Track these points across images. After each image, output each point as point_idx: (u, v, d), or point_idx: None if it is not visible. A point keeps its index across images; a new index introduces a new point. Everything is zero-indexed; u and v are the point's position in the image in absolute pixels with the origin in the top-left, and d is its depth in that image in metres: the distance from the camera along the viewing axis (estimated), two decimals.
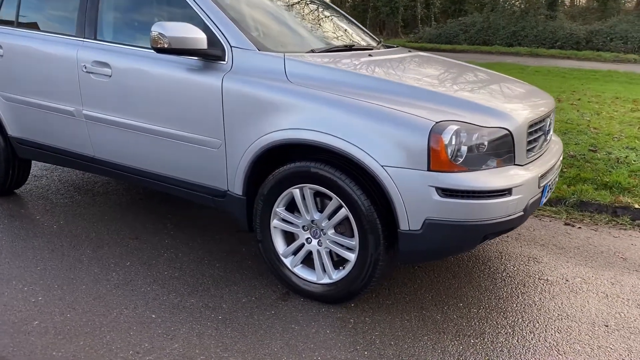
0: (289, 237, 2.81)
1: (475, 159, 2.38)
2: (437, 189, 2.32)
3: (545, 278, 3.02)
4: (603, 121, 6.63)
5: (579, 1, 25.49)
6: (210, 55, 2.82)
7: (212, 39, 2.82)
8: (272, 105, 2.63)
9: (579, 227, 3.78)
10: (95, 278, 2.93)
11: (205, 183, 3.00)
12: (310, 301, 2.73)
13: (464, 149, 2.34)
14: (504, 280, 3.00)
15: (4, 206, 3.90)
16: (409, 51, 3.62)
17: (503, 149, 2.48)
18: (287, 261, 2.79)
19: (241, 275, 3.00)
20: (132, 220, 3.70)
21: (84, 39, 3.28)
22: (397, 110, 2.41)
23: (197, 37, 2.76)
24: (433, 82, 2.88)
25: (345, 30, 3.65)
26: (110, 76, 3.13)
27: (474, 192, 2.34)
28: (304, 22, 3.44)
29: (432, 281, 2.97)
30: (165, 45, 2.73)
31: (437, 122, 2.33)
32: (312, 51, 3.00)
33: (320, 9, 3.76)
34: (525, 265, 3.17)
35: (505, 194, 2.40)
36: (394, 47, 3.68)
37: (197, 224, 3.68)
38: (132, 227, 3.60)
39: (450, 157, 2.32)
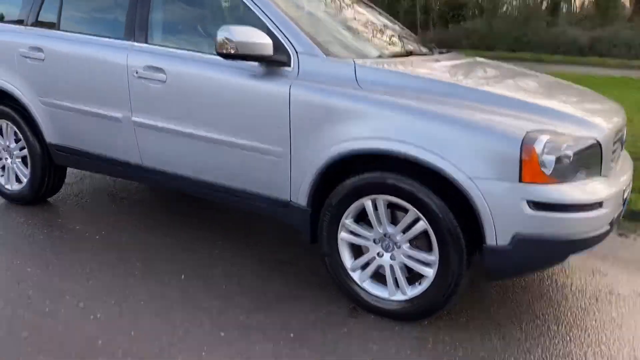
0: (356, 250, 2.70)
1: (566, 170, 2.28)
2: (529, 202, 2.22)
3: (617, 292, 2.92)
4: (637, 129, 6.53)
5: (577, 8, 25.60)
6: (276, 61, 2.71)
7: (277, 45, 2.71)
8: (344, 114, 2.52)
9: (634, 239, 3.69)
10: (152, 293, 2.80)
11: (265, 193, 2.89)
12: (380, 318, 2.62)
13: (555, 159, 2.24)
14: (575, 294, 2.90)
15: (41, 215, 3.77)
16: (468, 57, 3.52)
17: (592, 160, 2.38)
18: (355, 276, 2.68)
19: (302, 289, 2.88)
20: (177, 230, 3.57)
21: (134, 43, 3.15)
22: (483, 118, 2.31)
23: (264, 42, 2.65)
24: (513, 89, 2.78)
25: (398, 34, 3.54)
26: (164, 82, 3.01)
27: (566, 205, 2.24)
28: (359, 26, 3.33)
29: (502, 296, 2.87)
30: (232, 51, 2.62)
31: (528, 132, 2.23)
32: (380, 57, 2.90)
33: (368, 13, 3.66)
34: (592, 278, 3.07)
35: (596, 207, 2.30)
36: (450, 52, 3.58)
37: (246, 234, 3.56)
38: (178, 237, 3.47)
39: (542, 168, 2.22)
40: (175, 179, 3.19)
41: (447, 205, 2.36)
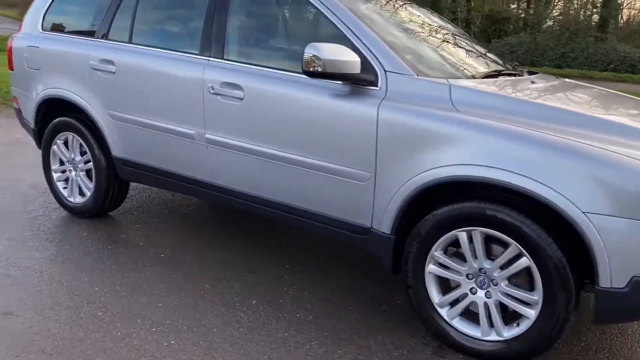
0: (444, 284, 2.52)
1: None
2: None
3: None
4: None
5: (624, 23, 24.83)
6: (362, 80, 2.57)
7: (364, 63, 2.57)
8: (439, 137, 2.36)
9: None
10: (224, 319, 2.68)
11: (344, 218, 2.74)
12: (470, 357, 2.43)
13: None
14: None
15: (104, 230, 3.70)
16: (557, 78, 3.31)
17: None
18: (444, 312, 2.50)
19: (381, 322, 2.72)
20: (242, 251, 3.45)
21: (210, 58, 3.06)
22: (599, 147, 2.11)
23: (353, 60, 2.52)
24: (620, 115, 2.58)
25: (482, 53, 3.36)
26: (241, 99, 2.90)
27: None
28: (441, 44, 3.17)
29: (598, 338, 2.64)
30: (319, 69, 2.49)
31: None
32: (473, 77, 2.73)
33: (446, 28, 3.49)
34: None
35: None
36: (536, 73, 3.38)
37: (316, 258, 3.42)
38: (244, 258, 3.35)
39: None
40: (247, 199, 3.07)
41: (555, 242, 2.16)
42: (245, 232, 3.79)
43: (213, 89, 2.98)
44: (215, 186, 3.17)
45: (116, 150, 3.58)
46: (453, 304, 2.48)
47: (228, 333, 2.56)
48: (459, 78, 2.67)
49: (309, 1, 2.82)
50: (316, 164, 2.72)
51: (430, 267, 2.48)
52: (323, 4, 2.77)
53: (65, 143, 3.88)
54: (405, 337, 2.60)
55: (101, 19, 3.60)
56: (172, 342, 2.48)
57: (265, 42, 3.09)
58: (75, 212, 3.91)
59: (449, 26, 3.53)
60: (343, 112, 2.61)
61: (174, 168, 3.34)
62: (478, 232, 2.33)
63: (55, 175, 3.98)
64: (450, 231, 2.39)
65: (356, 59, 2.53)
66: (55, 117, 3.87)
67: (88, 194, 3.81)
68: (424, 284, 2.51)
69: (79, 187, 3.88)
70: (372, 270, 3.25)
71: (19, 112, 4.21)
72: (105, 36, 3.55)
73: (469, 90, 2.49)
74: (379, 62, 2.58)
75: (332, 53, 2.48)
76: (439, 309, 2.50)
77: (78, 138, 3.75)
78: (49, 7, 3.95)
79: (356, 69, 2.53)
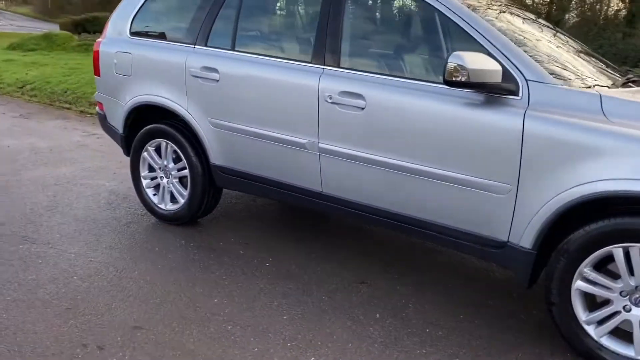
0: (589, 301, 2.44)
1: None
2: None
3: None
4: None
5: None
6: (502, 90, 2.49)
7: (504, 71, 2.49)
8: (596, 151, 2.28)
9: None
10: (355, 333, 2.63)
11: (477, 232, 2.67)
12: None
13: None
14: None
15: (200, 238, 3.67)
16: None
17: None
18: (590, 329, 2.42)
19: (514, 338, 2.65)
20: (346, 260, 3.39)
21: (325, 66, 3.00)
22: None
23: (495, 69, 2.46)
24: None
25: (598, 59, 3.26)
26: (362, 108, 2.83)
27: None
28: (564, 51, 3.06)
29: None
30: (463, 79, 2.42)
31: None
32: (614, 86, 2.64)
33: (560, 36, 3.37)
34: None
35: None
36: None
37: (421, 269, 3.35)
38: (351, 269, 3.29)
39: None
40: (364, 210, 3.01)
41: None
42: (349, 242, 3.73)
43: (331, 98, 2.92)
44: (328, 196, 3.12)
45: (215, 158, 3.53)
46: (601, 321, 2.40)
47: (365, 349, 2.51)
48: (601, 87, 2.58)
49: (436, 7, 2.74)
50: (449, 175, 2.66)
51: (578, 284, 2.41)
52: (452, 10, 2.70)
53: (157, 150, 3.84)
54: (545, 354, 2.52)
55: (199, 24, 3.54)
56: (312, 358, 2.42)
57: (385, 50, 3.03)
58: (165, 219, 3.87)
59: (557, 32, 3.43)
60: (482, 123, 2.54)
61: (279, 177, 3.29)
62: (637, 248, 2.24)
63: (144, 182, 3.95)
64: (604, 247, 2.31)
65: (498, 67, 2.46)
66: (145, 124, 3.84)
67: (182, 201, 3.77)
68: (569, 300, 2.43)
69: (170, 194, 3.84)
70: (486, 283, 3.19)
71: (102, 118, 4.18)
72: (205, 43, 3.50)
73: (620, 100, 2.40)
74: (519, 70, 2.51)
75: (477, 62, 2.42)
76: (585, 327, 2.42)
77: (172, 145, 3.71)
78: (138, 10, 3.91)
79: (498, 78, 2.46)
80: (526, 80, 2.49)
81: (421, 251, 3.58)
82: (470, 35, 2.64)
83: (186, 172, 3.69)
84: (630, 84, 2.86)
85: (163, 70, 3.64)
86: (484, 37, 2.61)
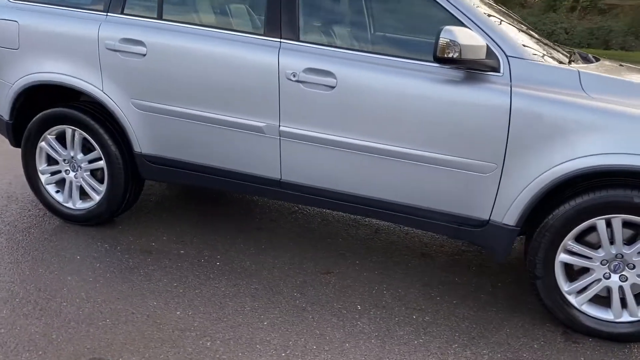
0: (568, 272, 2.54)
1: None
2: None
3: None
4: None
5: None
6: (484, 66, 2.43)
7: (487, 47, 2.43)
8: (582, 126, 2.33)
9: None
10: (346, 331, 2.46)
11: (454, 211, 2.62)
12: (601, 341, 2.49)
13: None
14: None
15: (125, 239, 3.17)
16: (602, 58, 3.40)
17: None
18: (572, 298, 2.52)
19: (497, 314, 2.68)
20: (300, 251, 3.17)
21: (283, 40, 2.69)
22: None
23: (480, 45, 2.38)
24: None
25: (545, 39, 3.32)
26: (333, 87, 2.60)
27: None
28: (524, 30, 3.03)
29: None
30: (455, 55, 2.30)
31: None
32: (571, 63, 2.71)
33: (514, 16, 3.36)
34: None
35: None
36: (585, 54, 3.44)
37: (377, 252, 3.24)
38: (310, 259, 3.08)
39: None
40: (329, 196, 2.80)
41: None
42: (284, 228, 3.48)
43: (294, 75, 2.63)
44: (288, 183, 2.85)
45: (141, 146, 3.05)
46: (582, 290, 2.51)
47: (364, 347, 2.35)
48: (575, 63, 2.64)
49: None
50: (428, 156, 2.55)
51: (562, 257, 2.47)
52: None
53: (59, 139, 3.21)
54: (528, 326, 2.59)
55: None
56: None
57: (356, 25, 2.79)
58: (76, 219, 3.29)
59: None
60: (466, 101, 2.46)
61: (227, 164, 2.94)
62: (619, 219, 2.35)
63: (43, 178, 3.30)
64: (588, 219, 2.39)
65: (483, 43, 2.39)
66: (39, 107, 3.19)
67: (97, 197, 3.21)
68: (553, 273, 2.50)
69: (80, 190, 3.26)
70: (444, 260, 3.19)
71: None
72: (120, 10, 2.95)
73: (597, 76, 2.47)
74: (499, 46, 2.46)
75: (468, 38, 2.31)
76: (567, 297, 2.52)
77: (81, 132, 3.12)
78: None
79: (483, 54, 2.39)
80: (507, 56, 2.45)
81: (367, 233, 3.47)
82: (448, 11, 2.51)
83: (101, 163, 3.14)
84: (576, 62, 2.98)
85: (66, 43, 3.02)
86: (462, 12, 2.50)
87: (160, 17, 2.92)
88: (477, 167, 2.50)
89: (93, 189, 3.22)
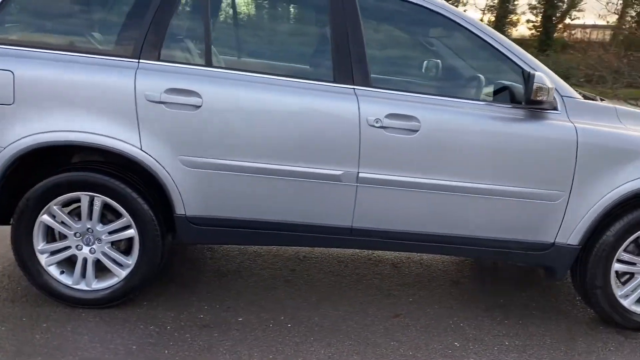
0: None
1: None
2: None
3: None
4: None
5: None
6: (551, 106, 2.72)
7: None
8: (631, 153, 2.74)
9: None
10: None
11: (522, 238, 2.85)
12: None
13: None
14: None
15: (160, 322, 2.75)
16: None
17: None
18: (623, 301, 2.92)
19: (544, 325, 2.96)
20: (356, 297, 3.10)
21: (356, 87, 2.66)
22: None
23: (552, 87, 2.66)
24: None
25: None
26: (416, 131, 2.65)
27: None
28: None
29: None
30: (544, 98, 2.56)
31: None
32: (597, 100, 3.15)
33: None
34: None
35: None
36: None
37: (412, 285, 3.32)
38: (374, 305, 3.04)
39: None
40: (399, 237, 2.81)
41: None
42: (329, 278, 3.36)
43: (378, 122, 2.62)
44: (360, 230, 2.79)
45: (187, 208, 2.70)
46: (631, 292, 2.92)
47: None
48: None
49: (476, 35, 2.74)
50: (505, 190, 2.74)
51: (617, 266, 2.86)
52: (489, 35, 2.76)
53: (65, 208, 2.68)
54: (600, 333, 2.92)
55: (139, 30, 2.61)
56: None
57: (431, 71, 2.86)
58: (91, 303, 2.76)
59: None
60: (537, 137, 2.72)
61: (291, 218, 2.76)
62: None
63: (43, 259, 2.71)
64: (636, 232, 2.81)
65: (554, 85, 2.67)
66: (30, 175, 2.65)
67: (123, 272, 2.74)
68: (609, 282, 2.87)
69: (94, 267, 2.75)
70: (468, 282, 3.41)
71: None
72: (157, 56, 2.60)
73: (626, 110, 2.92)
74: (556, 88, 2.77)
75: (549, 82, 2.58)
76: (620, 300, 2.90)
77: (104, 199, 2.65)
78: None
79: (553, 95, 2.67)
80: (561, 96, 2.77)
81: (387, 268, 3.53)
82: (508, 57, 2.75)
83: (130, 232, 2.70)
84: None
85: (88, 95, 2.55)
86: (521, 59, 2.76)
87: (209, 64, 2.64)
88: (547, 196, 2.76)
89: (117, 263, 2.74)
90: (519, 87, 2.70)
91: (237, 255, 3.56)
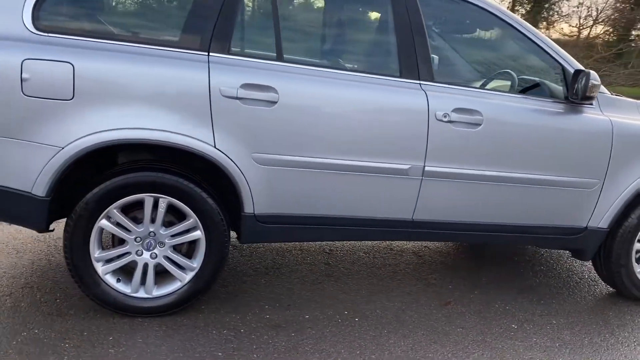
0: None
1: None
2: None
3: None
4: None
5: None
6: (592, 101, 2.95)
7: None
8: None
9: None
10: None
11: (561, 224, 3.08)
12: None
13: None
14: None
15: (234, 326, 2.67)
16: None
17: None
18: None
19: (586, 303, 3.24)
20: (400, 286, 3.18)
21: (422, 82, 2.71)
22: None
23: None
24: None
25: None
26: (479, 125, 2.76)
27: None
28: None
29: None
30: (595, 94, 2.77)
31: None
32: None
33: None
34: None
35: None
36: None
37: (462, 278, 3.46)
38: (416, 294, 3.13)
39: None
40: (456, 228, 2.93)
41: None
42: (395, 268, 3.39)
43: (446, 116, 2.70)
44: (420, 222, 2.87)
45: (256, 206, 2.62)
46: None
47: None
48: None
49: (528, 37, 2.90)
50: (551, 179, 2.94)
51: (636, 245, 3.17)
52: (535, 35, 2.92)
53: (124, 211, 2.51)
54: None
55: (206, 21, 2.48)
56: None
57: (472, 65, 2.95)
58: (151, 311, 2.60)
59: None
60: (581, 130, 2.93)
61: (356, 212, 2.77)
62: None
63: (100, 268, 2.52)
64: None
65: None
66: (80, 177, 2.47)
67: (186, 276, 2.62)
68: (631, 260, 3.18)
69: (154, 273, 2.60)
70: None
71: None
72: (227, 49, 2.49)
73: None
74: None
75: (598, 79, 2.79)
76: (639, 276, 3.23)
77: (169, 200, 2.51)
78: None
79: None
80: None
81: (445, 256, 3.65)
82: (551, 56, 2.94)
83: (196, 234, 2.58)
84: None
85: (158, 90, 2.39)
86: (565, 60, 2.96)
87: (281, 58, 2.57)
88: (585, 184, 3.00)
89: (180, 266, 2.60)
90: (550, 84, 2.91)
91: (266, 252, 3.49)
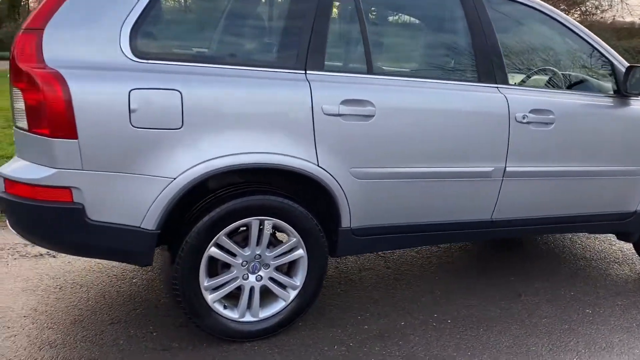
0: None
1: None
2: None
3: None
4: None
5: None
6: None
7: None
8: None
9: None
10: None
11: (613, 210, 3.28)
12: None
13: None
14: None
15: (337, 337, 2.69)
16: None
17: None
18: None
19: (617, 285, 3.47)
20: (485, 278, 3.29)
21: (499, 86, 2.82)
22: None
23: None
24: None
25: None
26: (552, 124, 2.90)
27: None
28: None
29: None
30: None
31: None
32: None
33: None
34: None
35: None
36: None
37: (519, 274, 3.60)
38: (490, 287, 3.26)
39: None
40: (531, 223, 3.08)
41: None
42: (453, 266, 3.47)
43: (524, 117, 2.81)
44: (499, 221, 2.99)
45: (353, 220, 2.64)
46: None
47: None
48: None
49: (584, 39, 3.07)
50: (611, 170, 3.14)
51: None
52: (588, 35, 3.09)
53: (230, 236, 2.47)
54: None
55: (299, 39, 2.46)
56: None
57: (552, 64, 3.08)
58: (258, 334, 2.58)
59: None
60: (635, 121, 3.13)
61: (440, 217, 2.86)
62: None
63: (209, 296, 2.47)
64: None
65: None
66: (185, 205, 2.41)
67: (289, 296, 2.61)
68: None
69: (260, 294, 2.58)
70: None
71: (71, 215, 2.24)
72: (321, 66, 2.49)
73: None
74: None
75: None
76: None
77: (276, 221, 2.49)
78: (142, 14, 2.26)
79: None
80: None
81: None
82: (602, 54, 3.12)
83: (299, 253, 2.57)
84: None
85: (261, 111, 2.36)
86: (610, 55, 3.14)
87: (371, 71, 2.59)
88: (636, 172, 3.21)
89: (285, 286, 2.59)
90: (593, 80, 3.09)
91: None
